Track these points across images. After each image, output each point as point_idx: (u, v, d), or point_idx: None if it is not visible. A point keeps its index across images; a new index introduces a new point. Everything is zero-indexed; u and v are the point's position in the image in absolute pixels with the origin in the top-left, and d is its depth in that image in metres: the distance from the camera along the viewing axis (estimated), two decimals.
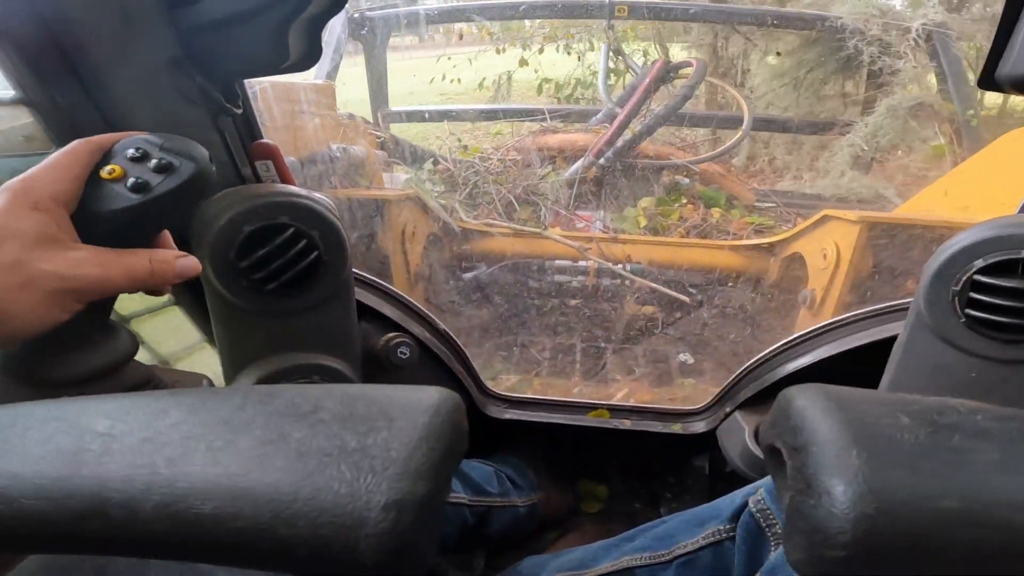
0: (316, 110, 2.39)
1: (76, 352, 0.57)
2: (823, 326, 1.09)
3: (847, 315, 1.07)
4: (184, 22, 0.72)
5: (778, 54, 4.18)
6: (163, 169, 0.56)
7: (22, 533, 0.33)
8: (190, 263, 0.60)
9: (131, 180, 0.55)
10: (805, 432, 0.35)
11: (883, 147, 3.30)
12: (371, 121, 3.34)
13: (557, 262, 2.64)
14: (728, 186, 3.07)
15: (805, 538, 0.32)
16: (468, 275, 2.64)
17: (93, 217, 0.54)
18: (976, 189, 2.15)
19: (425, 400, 0.38)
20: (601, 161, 2.85)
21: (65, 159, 0.54)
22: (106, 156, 0.56)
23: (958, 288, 0.70)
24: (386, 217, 2.29)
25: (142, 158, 0.56)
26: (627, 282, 2.60)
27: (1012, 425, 0.37)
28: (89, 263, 0.51)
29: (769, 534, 0.80)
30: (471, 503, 1.13)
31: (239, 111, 0.84)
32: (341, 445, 0.34)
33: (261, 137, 0.91)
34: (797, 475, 0.35)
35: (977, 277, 0.69)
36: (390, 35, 3.66)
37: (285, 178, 0.92)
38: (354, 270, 0.97)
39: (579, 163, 2.85)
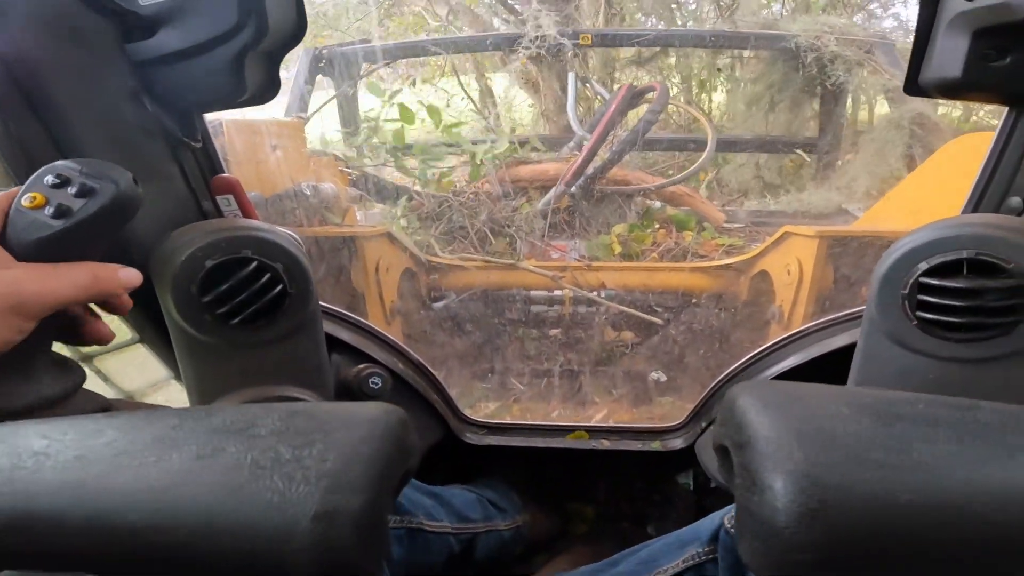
0: (284, 146, 2.41)
1: (21, 383, 0.57)
2: (787, 337, 1.11)
3: (810, 324, 1.09)
4: (139, 55, 0.72)
5: (719, 69, 4.26)
6: (84, 193, 0.56)
7: None
8: (132, 272, 0.61)
9: (52, 207, 0.55)
10: (747, 428, 0.35)
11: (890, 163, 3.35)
12: (341, 157, 3.36)
13: (533, 293, 2.66)
14: (698, 207, 3.12)
15: (756, 536, 0.32)
16: (439, 304, 2.65)
17: (19, 246, 0.55)
18: (926, 197, 2.22)
19: (364, 414, 0.38)
20: (573, 190, 2.89)
21: None
22: (27, 185, 0.56)
23: (906, 291, 0.72)
24: (359, 254, 2.29)
25: (62, 184, 0.56)
26: (602, 309, 2.62)
27: (957, 413, 0.37)
28: (27, 279, 0.52)
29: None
30: (455, 531, 1.13)
31: (198, 144, 0.84)
32: (275, 458, 0.34)
33: (222, 171, 0.90)
34: (743, 472, 0.34)
35: (923, 279, 0.71)
36: (360, 68, 3.71)
37: (247, 212, 0.91)
38: (323, 304, 0.96)
39: (551, 193, 2.89)
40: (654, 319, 2.54)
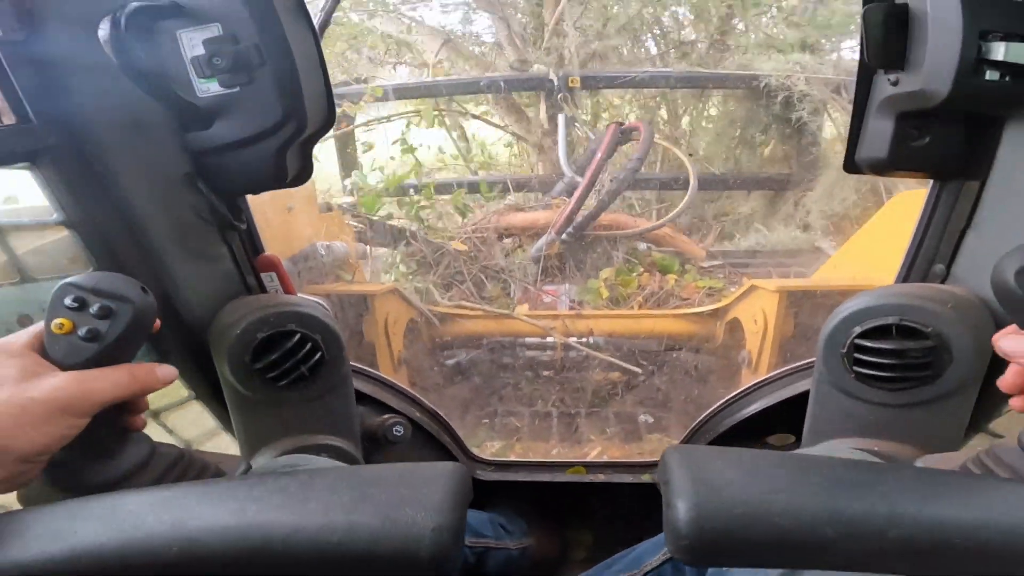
0: (298, 208, 2.54)
1: (100, 461, 0.64)
2: (755, 384, 1.23)
3: (771, 374, 1.21)
4: (196, 144, 0.78)
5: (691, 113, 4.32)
6: (105, 315, 0.59)
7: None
8: (169, 371, 0.65)
9: (82, 331, 0.59)
10: (667, 472, 0.51)
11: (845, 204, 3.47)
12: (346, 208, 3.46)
13: (527, 340, 2.83)
14: (680, 246, 3.27)
15: (671, 536, 0.47)
16: (449, 361, 2.79)
17: (65, 368, 0.59)
18: (872, 251, 2.39)
19: (446, 469, 0.54)
20: (563, 237, 3.03)
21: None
22: (51, 311, 0.60)
23: (844, 351, 0.83)
24: (370, 309, 2.46)
25: (81, 307, 0.59)
26: (589, 355, 2.77)
27: (786, 468, 0.53)
28: (71, 384, 0.57)
29: None
30: (470, 544, 1.22)
31: (243, 226, 0.91)
32: (404, 496, 0.50)
33: (262, 250, 0.98)
34: (665, 498, 0.50)
35: (858, 341, 0.82)
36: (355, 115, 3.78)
37: (288, 288, 1.00)
38: (352, 363, 1.06)
39: (542, 240, 3.03)
40: (634, 368, 2.71)
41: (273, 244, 2.22)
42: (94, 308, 0.59)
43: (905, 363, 0.80)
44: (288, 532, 0.47)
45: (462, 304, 2.84)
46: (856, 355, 0.82)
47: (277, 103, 0.75)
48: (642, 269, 3.08)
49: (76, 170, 0.75)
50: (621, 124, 3.35)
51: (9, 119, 0.70)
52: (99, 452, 0.64)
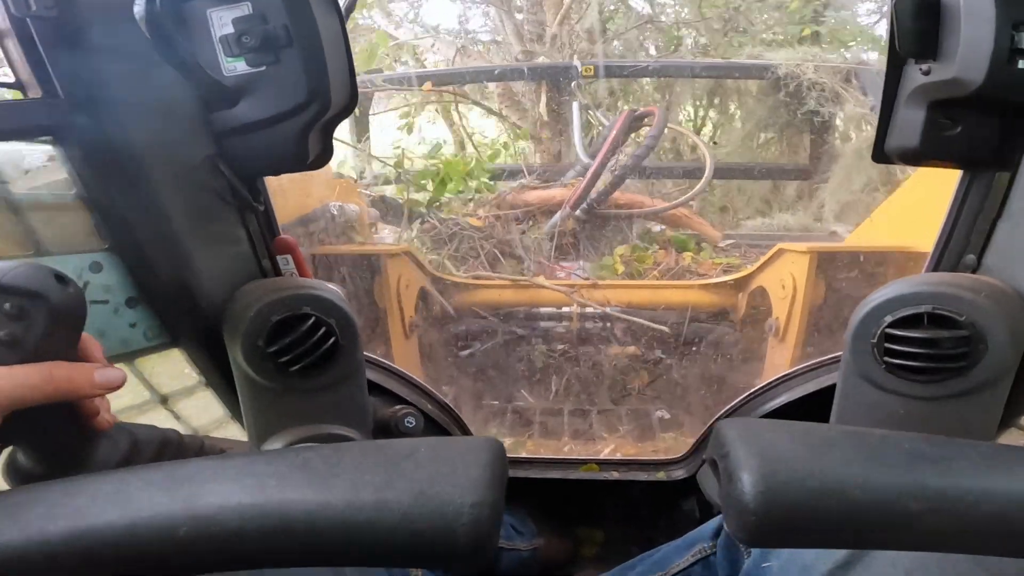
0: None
1: (72, 467, 0.59)
2: (780, 377, 1.21)
3: (797, 368, 1.19)
4: (220, 124, 0.79)
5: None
6: (19, 317, 0.52)
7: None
8: (114, 375, 0.58)
9: (1, 333, 0.52)
10: (727, 445, 0.48)
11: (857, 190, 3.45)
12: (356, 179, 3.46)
13: (543, 309, 2.78)
14: (696, 227, 3.23)
15: (733, 513, 0.45)
16: (460, 328, 2.75)
17: None
18: (904, 216, 2.35)
19: (484, 443, 0.51)
20: (577, 213, 3.00)
21: None
22: None
23: (875, 341, 0.82)
24: (383, 271, 2.41)
25: None
26: (608, 324, 2.73)
27: (852, 438, 0.51)
28: None
29: (742, 545, 0.93)
30: None
31: (261, 208, 0.91)
32: (438, 471, 0.47)
33: (278, 232, 0.97)
34: (724, 472, 0.48)
35: (889, 330, 0.81)
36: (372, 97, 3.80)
37: (303, 271, 0.99)
38: (364, 353, 1.04)
39: (557, 216, 3.00)
40: (660, 327, 2.65)
41: (285, 203, 2.22)
42: (7, 308, 0.52)
43: (938, 353, 0.79)
44: (311, 509, 0.44)
45: (478, 274, 2.81)
46: (887, 345, 0.81)
47: (303, 83, 0.75)
48: (658, 247, 3.05)
49: (98, 147, 0.75)
50: (635, 111, 3.32)
51: (35, 93, 0.71)
52: (67, 458, 0.59)
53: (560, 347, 2.81)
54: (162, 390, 1.04)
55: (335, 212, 2.58)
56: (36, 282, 0.53)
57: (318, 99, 0.77)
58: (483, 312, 2.75)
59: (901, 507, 0.44)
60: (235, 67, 0.74)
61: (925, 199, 2.12)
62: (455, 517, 0.44)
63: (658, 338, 2.70)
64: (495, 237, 2.94)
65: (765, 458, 0.46)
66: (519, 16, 4.66)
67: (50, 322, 0.53)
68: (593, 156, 3.14)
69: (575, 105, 3.72)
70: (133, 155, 0.76)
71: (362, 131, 3.88)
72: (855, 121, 3.59)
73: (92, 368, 0.57)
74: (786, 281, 2.32)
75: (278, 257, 0.99)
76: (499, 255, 2.92)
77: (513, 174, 3.47)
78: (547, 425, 2.57)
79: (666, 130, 3.35)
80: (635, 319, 2.66)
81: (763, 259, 2.49)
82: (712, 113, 4.79)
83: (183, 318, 0.90)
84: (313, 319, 0.87)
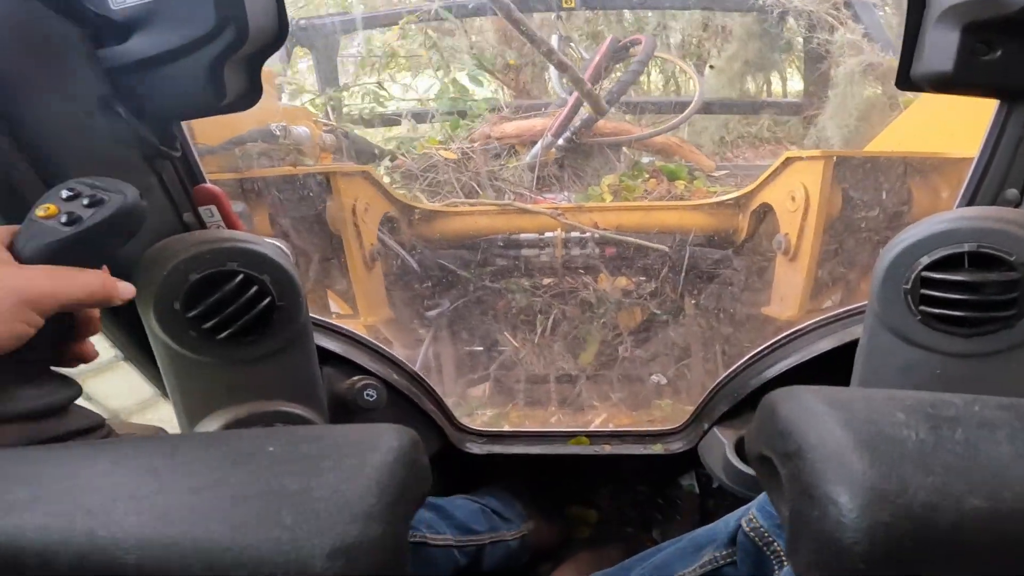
0: None
1: (24, 387, 0.58)
2: (789, 334, 1.11)
3: (810, 322, 1.09)
4: (111, 61, 0.70)
5: (711, 67, 4.14)
6: (94, 204, 0.59)
7: None
8: (129, 287, 0.63)
9: (64, 216, 0.58)
10: (796, 436, 0.34)
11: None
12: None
13: (523, 236, 2.57)
14: (688, 156, 3.08)
15: (814, 552, 0.31)
16: (433, 259, 2.58)
17: (31, 251, 0.58)
18: (926, 123, 2.23)
19: (377, 438, 0.36)
20: (560, 141, 2.84)
21: None
22: (42, 199, 0.60)
23: (908, 286, 0.72)
24: (334, 193, 2.20)
25: (75, 197, 0.60)
26: (596, 252, 2.57)
27: (1013, 413, 0.36)
28: (42, 277, 0.55)
29: (768, 552, 0.80)
30: (459, 544, 1.11)
31: (177, 154, 0.82)
32: (281, 489, 0.32)
33: (203, 181, 0.88)
34: (794, 483, 0.33)
35: (925, 274, 0.71)
36: (339, 41, 3.64)
37: (232, 223, 0.89)
38: (313, 316, 0.95)
39: (539, 145, 2.83)
40: (659, 246, 2.48)
41: (209, 130, 2.02)
42: (85, 199, 0.59)
43: (983, 300, 0.69)
44: (84, 549, 0.31)
45: (453, 202, 2.63)
46: (923, 291, 0.71)
47: (210, 9, 0.66)
48: (648, 175, 2.88)
49: None
50: (619, 39, 3.10)
51: None
52: (22, 374, 0.58)
53: (546, 281, 2.67)
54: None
55: (277, 132, 2.34)
56: (123, 186, 0.62)
57: (230, 26, 0.67)
58: (458, 243, 2.58)
59: None
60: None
61: (952, 104, 1.93)
62: (302, 573, 0.29)
63: (652, 267, 2.56)
64: (472, 170, 2.77)
65: (880, 460, 0.31)
66: None
67: (115, 213, 0.59)
68: (572, 92, 2.97)
69: (554, 38, 3.49)
70: (10, 98, 0.67)
71: (330, 78, 3.65)
72: (848, 49, 3.44)
73: (117, 280, 0.62)
74: (796, 193, 2.15)
75: (201, 209, 0.88)
76: (476, 187, 2.76)
77: (492, 110, 3.29)
78: (533, 377, 2.48)
79: (659, 64, 3.22)
80: (630, 239, 2.49)
81: (768, 170, 2.30)
82: (707, 45, 4.61)
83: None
84: (241, 276, 0.77)
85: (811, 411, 0.35)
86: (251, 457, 0.36)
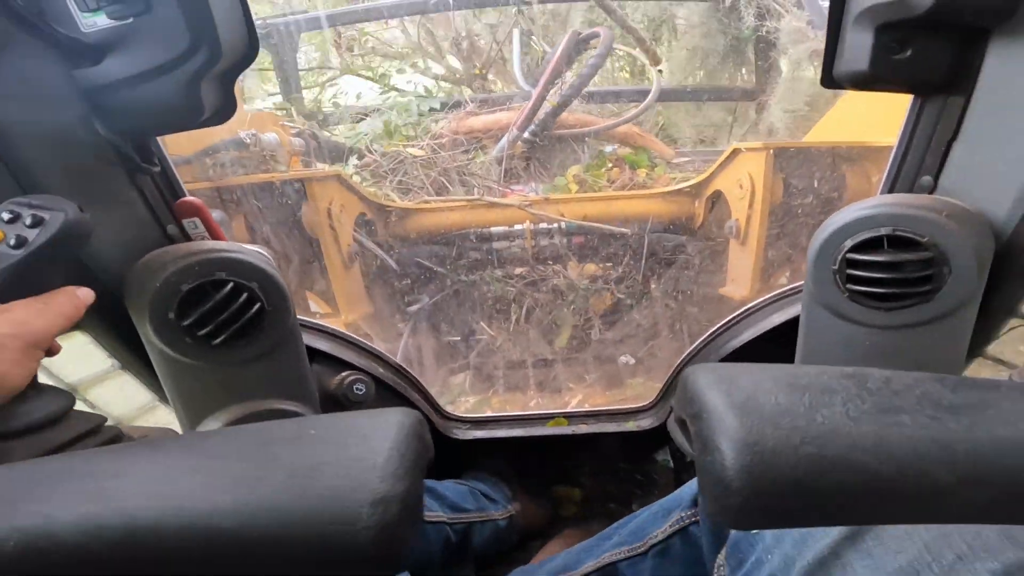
0: None
1: (19, 405, 0.60)
2: (739, 314, 1.18)
3: (759, 300, 1.16)
4: (87, 81, 0.71)
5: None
6: (36, 224, 0.60)
7: (61, 564, 0.37)
8: (87, 291, 0.66)
9: (12, 239, 0.59)
10: (697, 402, 0.42)
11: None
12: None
13: (494, 230, 2.66)
14: (650, 145, 3.15)
15: (711, 491, 0.38)
16: (409, 256, 2.64)
17: None
18: (857, 115, 2.35)
19: (391, 418, 0.44)
20: (526, 135, 2.89)
21: None
22: None
23: (836, 267, 0.80)
24: (309, 198, 2.26)
25: (15, 219, 0.61)
26: (565, 242, 2.66)
27: (853, 382, 0.44)
28: (33, 316, 0.59)
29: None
30: (451, 520, 1.17)
31: (156, 169, 0.84)
32: (325, 460, 0.40)
33: (183, 194, 0.91)
34: (699, 439, 0.41)
35: (850, 255, 0.79)
36: (297, 40, 3.60)
37: (215, 234, 0.92)
38: (300, 317, 0.98)
39: (505, 139, 2.88)
40: (620, 229, 2.59)
41: (179, 142, 2.03)
42: (27, 219, 0.61)
43: (902, 277, 0.77)
44: (158, 516, 0.37)
45: (425, 200, 2.68)
46: (849, 271, 0.80)
47: (184, 30, 0.68)
48: (611, 164, 2.96)
49: None
50: (579, 33, 3.14)
51: None
52: (20, 394, 0.60)
53: (518, 271, 2.75)
54: (69, 379, 0.98)
55: (247, 140, 2.36)
56: (61, 202, 0.62)
57: (204, 47, 0.69)
58: (432, 239, 2.64)
59: (931, 480, 0.37)
60: (95, 22, 0.66)
61: (878, 97, 2.07)
62: (351, 520, 0.37)
63: (617, 254, 2.65)
64: (440, 165, 2.82)
65: (747, 418, 0.39)
66: None
67: (59, 232, 0.61)
68: (535, 84, 3.01)
69: (515, 32, 3.55)
70: None
71: (291, 85, 3.64)
72: (794, 36, 3.50)
73: (74, 289, 0.64)
74: (743, 181, 2.28)
75: (185, 221, 0.91)
76: (446, 183, 2.81)
77: (455, 106, 3.31)
78: (511, 359, 2.52)
79: (616, 53, 3.24)
80: (594, 225, 2.58)
81: (718, 161, 2.43)
82: (663, 35, 4.64)
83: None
84: (231, 285, 0.81)
85: (707, 382, 0.43)
86: (295, 439, 0.43)
